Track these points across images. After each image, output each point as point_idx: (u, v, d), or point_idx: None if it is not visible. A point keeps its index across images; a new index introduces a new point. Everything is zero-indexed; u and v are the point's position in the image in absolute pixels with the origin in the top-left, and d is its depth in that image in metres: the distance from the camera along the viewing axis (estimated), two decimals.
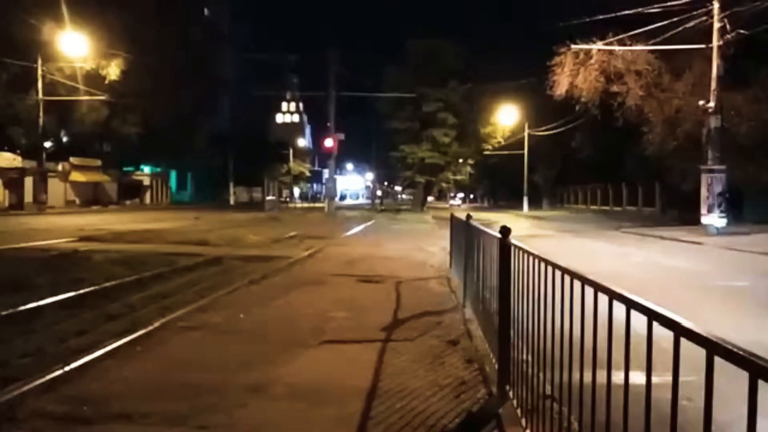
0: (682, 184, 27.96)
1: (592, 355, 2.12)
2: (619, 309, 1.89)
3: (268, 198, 46.06)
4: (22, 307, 6.29)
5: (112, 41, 36.02)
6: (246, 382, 4.12)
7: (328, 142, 35.58)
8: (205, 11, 73.78)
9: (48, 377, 4.01)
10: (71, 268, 9.67)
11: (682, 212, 27.52)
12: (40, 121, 35.88)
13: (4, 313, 6.00)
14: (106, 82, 37.87)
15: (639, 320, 1.75)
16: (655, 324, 1.65)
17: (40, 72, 35.29)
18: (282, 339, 5.44)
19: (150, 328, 5.52)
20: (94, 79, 37.41)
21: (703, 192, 18.80)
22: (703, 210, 18.80)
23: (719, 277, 10.48)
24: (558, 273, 2.58)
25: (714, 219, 18.53)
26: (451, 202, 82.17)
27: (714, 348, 1.32)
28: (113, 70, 37.78)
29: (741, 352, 1.22)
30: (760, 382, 1.19)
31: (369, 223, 27.04)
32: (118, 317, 6.22)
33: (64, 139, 46.01)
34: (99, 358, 4.57)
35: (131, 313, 6.47)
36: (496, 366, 3.93)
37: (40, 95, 35.56)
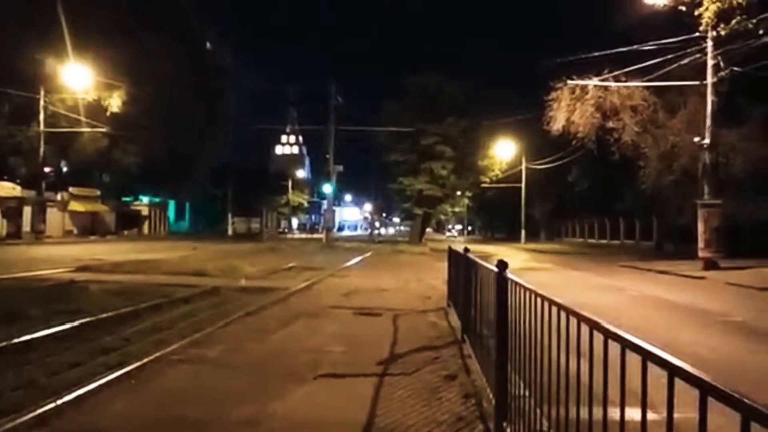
0: (678, 218, 28.08)
1: (588, 391, 2.12)
2: (615, 346, 1.89)
3: (267, 229, 46.12)
4: (16, 339, 6.23)
5: (114, 73, 36.43)
6: (240, 417, 4.07)
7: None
8: (207, 45, 74.95)
9: (40, 410, 3.97)
10: (67, 298, 9.60)
11: (680, 246, 27.55)
12: (41, 151, 36.09)
13: None
14: (108, 113, 38.18)
15: (637, 356, 1.76)
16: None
17: (42, 104, 35.62)
18: (278, 373, 5.40)
19: (144, 360, 5.47)
20: (95, 110, 37.74)
21: (700, 226, 18.83)
22: (701, 244, 18.80)
23: (719, 312, 10.43)
24: (554, 309, 2.58)
25: (711, 253, 18.53)
26: (448, 234, 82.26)
27: (706, 388, 1.33)
28: (115, 102, 38.12)
29: (734, 393, 1.23)
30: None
31: (367, 255, 26.99)
32: (112, 350, 6.16)
33: (64, 169, 46.24)
34: (92, 391, 4.53)
35: (126, 345, 6.41)
36: (494, 401, 3.90)
37: (42, 127, 35.83)
